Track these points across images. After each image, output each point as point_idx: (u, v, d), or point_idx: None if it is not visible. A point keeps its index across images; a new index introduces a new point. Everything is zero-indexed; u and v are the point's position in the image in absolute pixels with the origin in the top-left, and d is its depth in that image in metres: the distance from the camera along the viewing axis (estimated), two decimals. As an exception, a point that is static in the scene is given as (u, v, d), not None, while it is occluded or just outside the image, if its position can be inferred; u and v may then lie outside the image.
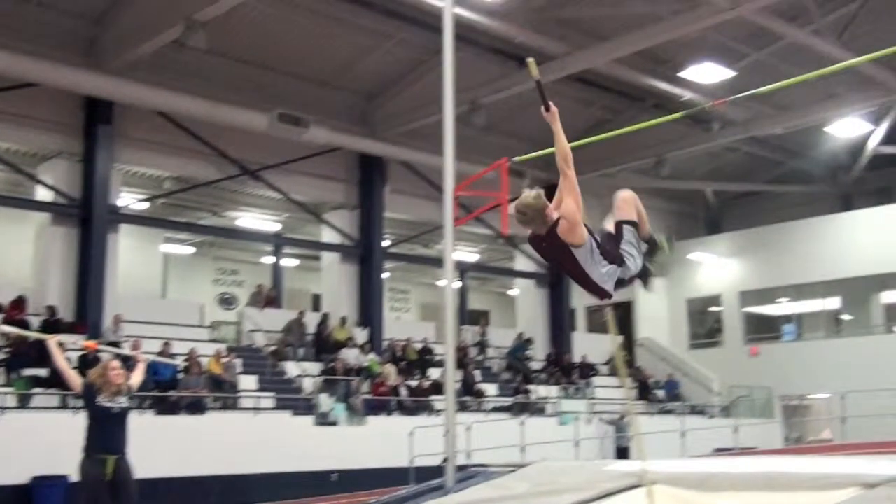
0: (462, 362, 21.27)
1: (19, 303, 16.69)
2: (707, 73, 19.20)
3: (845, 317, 27.40)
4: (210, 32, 15.97)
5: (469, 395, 21.00)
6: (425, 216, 23.48)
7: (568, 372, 24.68)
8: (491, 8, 16.39)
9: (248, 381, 17.98)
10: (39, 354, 14.48)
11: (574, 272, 5.01)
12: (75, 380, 7.92)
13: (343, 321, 21.29)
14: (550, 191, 4.82)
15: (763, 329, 28.22)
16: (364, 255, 22.15)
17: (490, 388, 22.16)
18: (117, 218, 18.78)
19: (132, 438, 7.84)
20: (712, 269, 28.58)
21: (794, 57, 19.21)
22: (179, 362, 16.33)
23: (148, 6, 16.38)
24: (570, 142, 5.07)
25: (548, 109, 5.27)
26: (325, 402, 18.28)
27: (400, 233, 25.17)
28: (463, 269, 27.04)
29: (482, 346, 25.01)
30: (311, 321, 21.17)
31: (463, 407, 19.59)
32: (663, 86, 20.19)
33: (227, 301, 27.47)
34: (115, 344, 16.25)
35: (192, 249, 26.72)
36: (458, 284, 26.89)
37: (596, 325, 29.77)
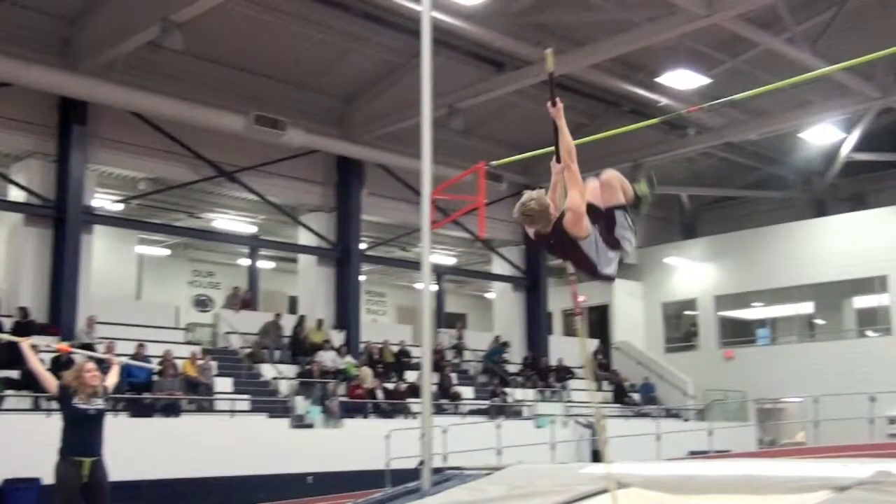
0: (439, 365, 21.28)
1: (-9, 304, 16.52)
2: (683, 79, 19.36)
3: (818, 321, 27.68)
4: (186, 34, 15.88)
5: (445, 397, 21.01)
6: (402, 219, 23.48)
7: (544, 375, 24.75)
8: (469, 12, 16.43)
9: (223, 384, 17.88)
10: (11, 356, 14.34)
11: (582, 263, 5.14)
12: (50, 381, 7.86)
13: (319, 324, 21.24)
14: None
15: (738, 333, 28.45)
16: (341, 257, 22.11)
17: (466, 391, 22.19)
18: (91, 219, 18.62)
19: (106, 440, 7.78)
20: (688, 274, 28.79)
21: (768, 64, 19.43)
22: (154, 365, 16.21)
23: (124, 7, 16.26)
24: (545, 147, 5.15)
25: (554, 105, 5.41)
26: (301, 404, 18.23)
27: (377, 236, 25.14)
28: (440, 272, 27.03)
29: (459, 348, 25.04)
30: (288, 323, 21.10)
31: (439, 410, 19.59)
32: (640, 91, 20.33)
33: (202, 303, 27.32)
34: (89, 346, 16.11)
35: (167, 251, 26.55)
36: (435, 287, 26.88)
37: (572, 329, 29.89)
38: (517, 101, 21.92)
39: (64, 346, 12.06)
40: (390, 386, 20.35)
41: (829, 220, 26.84)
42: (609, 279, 5.28)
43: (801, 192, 28.59)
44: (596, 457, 19.62)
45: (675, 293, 29.21)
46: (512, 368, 25.00)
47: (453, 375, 22.42)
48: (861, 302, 26.30)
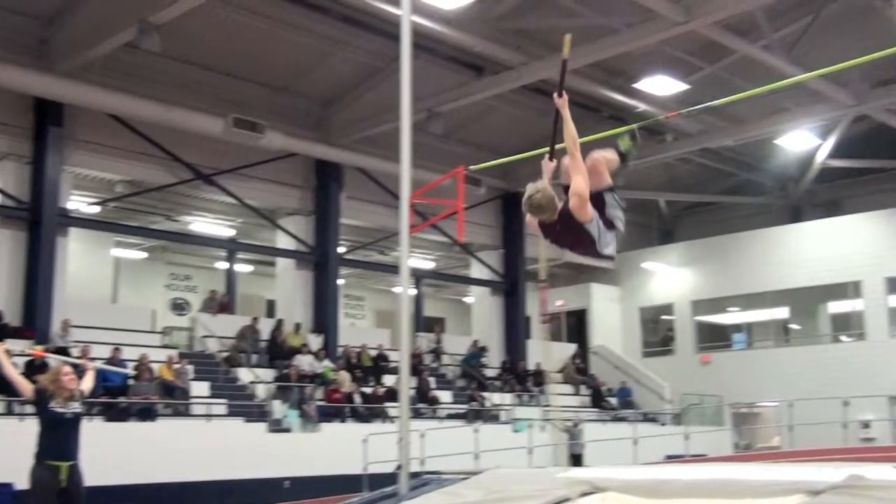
0: (417, 369, 21.27)
1: (-35, 307, 16.34)
2: (661, 85, 19.48)
3: (793, 326, 27.92)
4: (164, 35, 15.80)
5: (423, 402, 20.99)
6: (381, 223, 23.46)
7: (522, 379, 24.79)
8: (448, 17, 16.46)
9: (200, 388, 17.78)
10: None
11: (586, 246, 5.36)
12: (26, 386, 7.77)
13: (297, 327, 21.17)
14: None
15: (714, 338, 28.64)
16: (319, 261, 22.05)
17: (445, 396, 22.18)
18: (67, 221, 18.46)
19: (81, 445, 7.71)
20: (665, 279, 28.95)
21: (745, 71, 19.59)
22: (130, 370, 16.06)
23: (101, 8, 16.15)
24: (524, 151, 5.23)
25: (560, 95, 5.63)
26: (279, 408, 18.16)
27: (355, 239, 25.09)
28: (418, 276, 27.04)
29: (437, 353, 25.03)
30: (265, 327, 21.02)
31: (417, 414, 19.57)
32: (618, 97, 20.44)
33: (179, 306, 27.15)
34: (64, 350, 15.98)
35: (143, 254, 26.37)
36: (414, 291, 26.87)
37: (551, 333, 29.95)
38: (496, 106, 21.97)
39: (38, 350, 11.95)
40: (368, 390, 20.31)
41: (805, 225, 27.10)
42: (611, 259, 5.55)
43: (777, 198, 28.85)
44: (574, 461, 19.71)
45: (653, 298, 29.35)
46: (490, 373, 25.02)
47: (431, 380, 22.40)
48: (835, 307, 26.56)
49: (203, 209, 23.06)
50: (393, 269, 24.73)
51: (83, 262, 20.63)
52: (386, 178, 21.77)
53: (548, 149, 5.78)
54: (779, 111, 22.04)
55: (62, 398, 7.56)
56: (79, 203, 20.05)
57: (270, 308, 25.45)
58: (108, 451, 13.53)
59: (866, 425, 22.45)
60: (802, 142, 24.58)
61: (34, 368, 13.93)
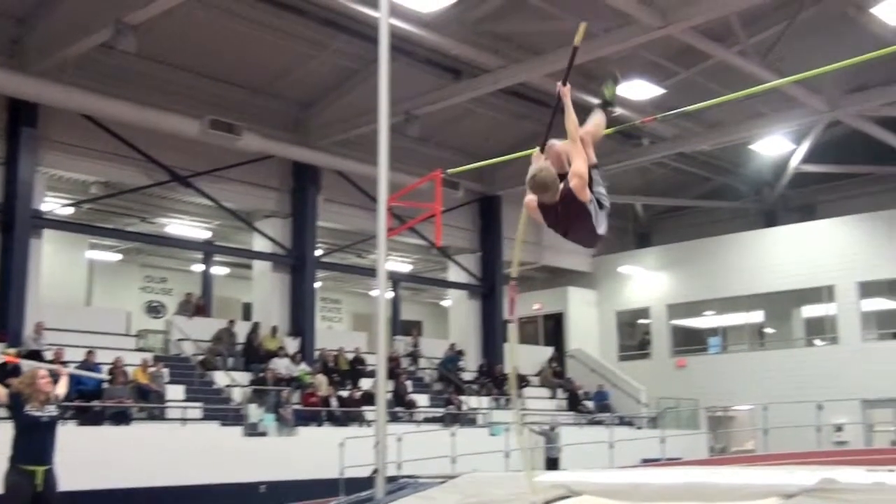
0: (394, 373, 21.23)
1: (-65, 310, 16.13)
2: (637, 89, 19.57)
3: (768, 330, 28.13)
4: (141, 36, 15.68)
5: (400, 405, 20.96)
6: (358, 226, 23.41)
7: (499, 383, 24.81)
8: (426, 20, 16.47)
9: (175, 391, 17.65)
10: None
11: (585, 227, 5.59)
12: (0, 390, 7.70)
13: (274, 331, 21.07)
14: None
15: (690, 341, 28.80)
16: (296, 264, 21.97)
17: (422, 399, 22.16)
18: (41, 223, 18.26)
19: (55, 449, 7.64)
20: (641, 283, 29.09)
21: (721, 76, 19.74)
22: (104, 375, 15.91)
23: (76, 8, 16.01)
24: (501, 155, 5.30)
25: (564, 84, 5.91)
26: (255, 412, 18.07)
27: (333, 242, 25.04)
28: (396, 280, 27.01)
29: (414, 356, 25.00)
30: (242, 330, 20.91)
31: (394, 417, 19.54)
32: (595, 101, 20.49)
33: (154, 309, 26.96)
34: (37, 352, 15.84)
35: (118, 256, 26.17)
36: (391, 294, 26.85)
37: (528, 337, 30.04)
38: (474, 110, 22.01)
39: (11, 355, 11.81)
40: (345, 394, 20.25)
41: (779, 230, 27.32)
42: (602, 237, 5.76)
43: (752, 203, 29.08)
44: (550, 465, 19.75)
45: (629, 302, 29.49)
46: (467, 376, 25.03)
47: (408, 383, 22.38)
48: (809, 311, 26.77)
49: (179, 211, 22.92)
50: (370, 272, 24.72)
51: (57, 264, 20.45)
52: (363, 180, 21.74)
53: (528, 152, 5.86)
54: (754, 116, 22.23)
55: (38, 402, 7.49)
56: (53, 204, 19.85)
57: (247, 311, 25.33)
58: (82, 456, 13.38)
59: (839, 429, 22.66)
60: (777, 147, 24.79)
61: (6, 373, 13.78)
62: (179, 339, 20.29)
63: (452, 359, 25.08)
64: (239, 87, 20.13)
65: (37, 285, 17.86)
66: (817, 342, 26.29)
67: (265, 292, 22.21)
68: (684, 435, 23.53)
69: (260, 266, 22.56)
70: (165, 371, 17.86)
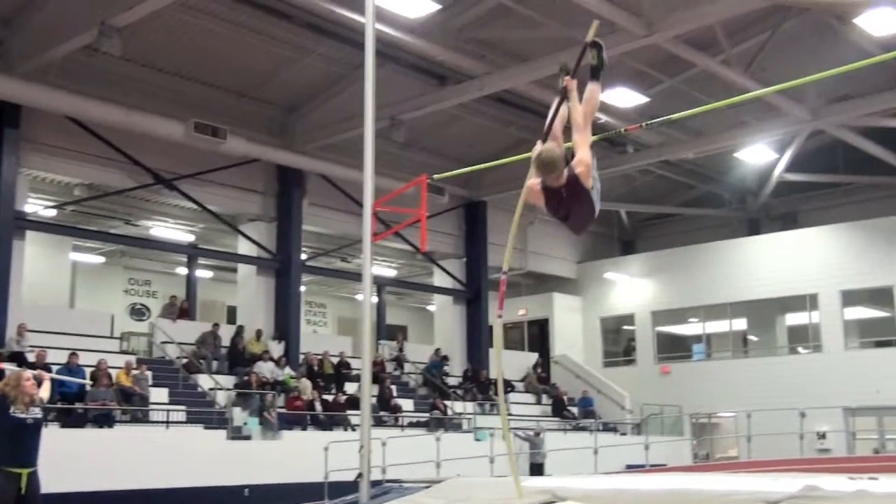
0: (379, 377, 21.21)
1: (-84, 311, 16.00)
2: (622, 97, 19.66)
3: (752, 337, 28.26)
4: (126, 39, 15.63)
5: (385, 410, 20.94)
6: (344, 230, 23.39)
7: (484, 388, 24.82)
8: (412, 25, 16.49)
9: (159, 394, 17.58)
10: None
11: (584, 212, 5.83)
12: None
13: (258, 334, 21.01)
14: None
15: (674, 348, 28.91)
16: (281, 267, 21.92)
17: (406, 404, 22.14)
18: (23, 224, 18.15)
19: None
20: (626, 289, 29.18)
21: (705, 85, 19.88)
22: (87, 380, 15.79)
23: (60, 9, 15.92)
24: (487, 161, 5.35)
25: (573, 78, 6.10)
26: (239, 415, 17.98)
27: (318, 246, 25.00)
28: (381, 284, 27.00)
29: (399, 361, 24.98)
30: (226, 334, 20.84)
31: (379, 422, 19.52)
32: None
33: (138, 312, 26.84)
34: (20, 354, 15.76)
35: (101, 259, 26.03)
36: (376, 299, 26.83)
37: (512, 342, 30.09)
38: (459, 115, 22.05)
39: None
40: (329, 398, 20.21)
41: (763, 238, 27.48)
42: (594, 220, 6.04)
43: (735, 211, 29.24)
44: (535, 470, 19.78)
45: (614, 308, 29.57)
46: (452, 381, 25.03)
47: (393, 388, 22.37)
48: (792, 319, 26.92)
49: (163, 214, 22.83)
50: (355, 276, 24.72)
51: (40, 266, 20.31)
52: (349, 185, 21.73)
53: (513, 158, 5.93)
54: (738, 125, 22.37)
55: (23, 404, 7.46)
56: (36, 206, 19.74)
57: (231, 314, 25.24)
58: (65, 458, 13.28)
59: (822, 436, 22.81)
60: (760, 155, 24.95)
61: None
62: (163, 342, 20.20)
63: (437, 364, 25.08)
64: (224, 90, 20.09)
65: (20, 287, 17.76)
66: (800, 350, 26.44)
67: (250, 296, 22.15)
68: (668, 441, 23.60)
69: (245, 269, 22.50)
70: (149, 374, 17.77)
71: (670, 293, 28.21)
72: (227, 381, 19.40)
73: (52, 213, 20.74)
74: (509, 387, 25.61)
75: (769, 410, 19.58)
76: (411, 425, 21.09)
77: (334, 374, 21.70)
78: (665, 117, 7.86)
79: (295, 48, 18.93)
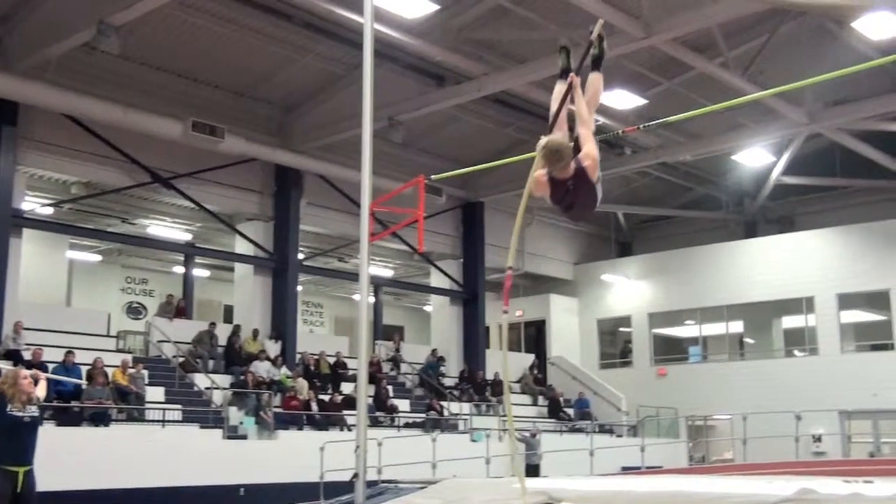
0: (375, 377, 21.21)
1: (-88, 309, 15.97)
2: (620, 99, 19.68)
3: (748, 340, 28.29)
4: (124, 37, 15.62)
5: (381, 410, 20.93)
6: (341, 230, 23.39)
7: (480, 389, 24.83)
8: (411, 26, 16.50)
9: (155, 393, 17.56)
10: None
11: (588, 203, 5.91)
12: None
13: (255, 334, 21.00)
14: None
15: (670, 350, 28.93)
16: (278, 267, 21.91)
17: (403, 404, 22.14)
18: (20, 222, 18.13)
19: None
20: (623, 291, 29.19)
21: (703, 87, 19.89)
22: (83, 380, 15.78)
23: (58, 7, 15.89)
24: (484, 162, 5.36)
25: (577, 74, 6.13)
26: (235, 415, 17.95)
27: (315, 246, 24.99)
28: (378, 284, 27.00)
29: (396, 361, 24.98)
30: (222, 333, 20.83)
31: (375, 422, 19.51)
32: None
33: (135, 310, 26.82)
34: (16, 353, 15.73)
35: (98, 257, 26.01)
36: (373, 299, 26.83)
37: (509, 343, 30.07)
38: (457, 116, 22.06)
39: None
40: (325, 398, 20.21)
41: (760, 241, 27.51)
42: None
43: (732, 214, 29.28)
44: (531, 471, 19.78)
45: (611, 310, 29.58)
46: (448, 382, 25.03)
47: (389, 388, 22.36)
48: (789, 322, 26.95)
49: (160, 213, 22.82)
50: (352, 276, 24.73)
51: (37, 264, 20.29)
52: (346, 185, 21.73)
53: (511, 159, 5.95)
54: (735, 127, 22.39)
55: (20, 402, 7.46)
56: (33, 204, 19.72)
57: (228, 313, 25.22)
58: (61, 456, 13.29)
59: (818, 439, 22.83)
60: (758, 158, 24.97)
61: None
62: (160, 341, 20.19)
63: (433, 364, 25.09)
64: (222, 89, 20.09)
65: (16, 285, 17.72)
66: (796, 353, 26.46)
67: (247, 295, 22.14)
68: (664, 443, 23.62)
69: (242, 269, 22.49)
70: (145, 372, 17.74)
71: (667, 295, 28.23)
72: (224, 380, 19.38)
73: (50, 211, 20.72)
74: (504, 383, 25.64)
75: (765, 413, 19.63)
76: (407, 426, 21.09)
77: (331, 374, 21.70)
78: (663, 119, 7.88)
79: (293, 48, 18.93)
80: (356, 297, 27.76)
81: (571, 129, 6.00)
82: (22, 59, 16.56)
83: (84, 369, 16.37)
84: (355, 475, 7.84)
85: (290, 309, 21.97)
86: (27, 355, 15.83)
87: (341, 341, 24.68)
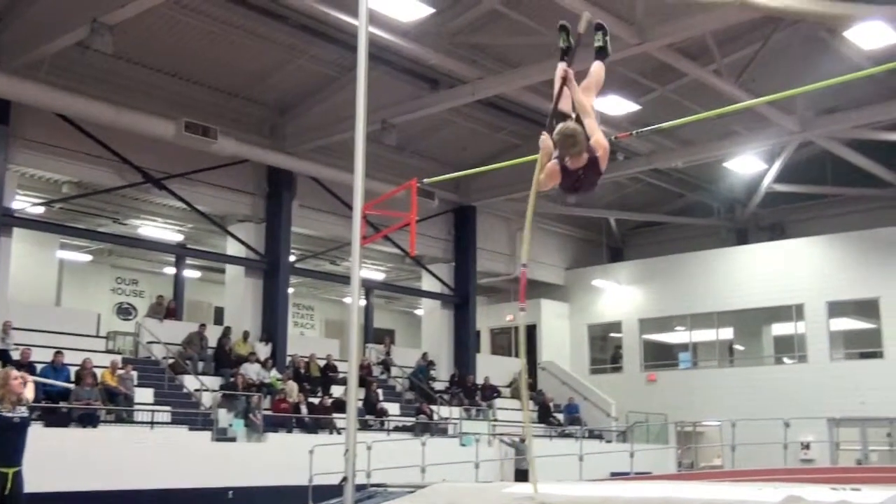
0: (365, 381, 21.18)
1: None
2: (613, 105, 19.73)
3: (738, 347, 28.35)
4: (117, 36, 15.57)
5: (371, 413, 20.90)
6: (333, 233, 23.37)
7: (471, 393, 24.82)
8: (405, 29, 16.51)
9: (144, 394, 17.50)
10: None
11: (591, 188, 6.11)
12: None
13: (245, 335, 20.95)
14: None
15: (661, 356, 28.96)
16: (269, 269, 21.87)
17: (393, 408, 22.11)
18: (11, 221, 18.06)
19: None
20: (614, 297, 29.23)
21: (695, 94, 19.97)
22: (69, 383, 15.70)
23: (52, 6, 15.83)
24: (477, 166, 5.37)
25: (569, 66, 6.37)
26: (224, 417, 17.90)
27: (307, 248, 24.96)
28: (369, 287, 26.98)
29: (386, 364, 24.95)
30: (213, 334, 20.77)
31: (365, 426, 19.47)
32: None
33: (125, 311, 26.73)
34: (5, 352, 15.65)
35: (88, 257, 25.92)
36: (364, 302, 26.80)
37: (500, 348, 30.10)
38: (451, 119, 22.07)
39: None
40: (315, 400, 20.17)
41: (750, 248, 27.59)
42: None
43: (724, 220, 29.36)
44: (520, 476, 19.77)
45: (602, 315, 29.62)
46: (439, 386, 25.01)
47: (380, 391, 22.33)
48: (778, 329, 27.02)
49: (152, 213, 22.76)
50: (344, 279, 24.72)
51: (27, 264, 20.22)
52: (339, 187, 21.71)
53: (504, 163, 5.94)
54: (727, 135, 22.47)
55: (10, 402, 7.42)
56: (24, 203, 19.65)
57: (218, 315, 25.17)
58: (48, 457, 13.22)
59: (806, 447, 22.89)
60: (749, 165, 25.06)
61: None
62: (149, 342, 20.12)
63: (424, 368, 25.07)
64: (215, 90, 20.06)
65: (5, 284, 17.68)
66: (786, 360, 26.54)
67: (237, 297, 22.09)
68: (653, 449, 23.64)
69: (233, 270, 22.44)
70: (134, 374, 17.68)
71: (658, 301, 28.28)
72: (213, 382, 19.33)
73: (40, 210, 20.65)
74: (495, 392, 25.62)
75: (754, 420, 19.65)
76: (397, 429, 21.07)
77: (321, 377, 21.66)
78: (656, 126, 7.90)
79: (288, 49, 18.92)
80: (347, 299, 27.74)
81: (579, 121, 6.05)
82: (15, 57, 16.50)
83: (73, 370, 16.30)
84: (344, 479, 7.82)
85: (280, 311, 21.93)
86: (16, 355, 15.76)
87: (332, 344, 24.64)
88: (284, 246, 22.00)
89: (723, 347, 28.03)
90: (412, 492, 7.60)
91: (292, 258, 23.03)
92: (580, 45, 6.56)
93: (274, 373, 20.34)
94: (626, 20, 15.98)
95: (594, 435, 25.58)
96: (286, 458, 16.88)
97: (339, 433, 18.59)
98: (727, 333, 27.99)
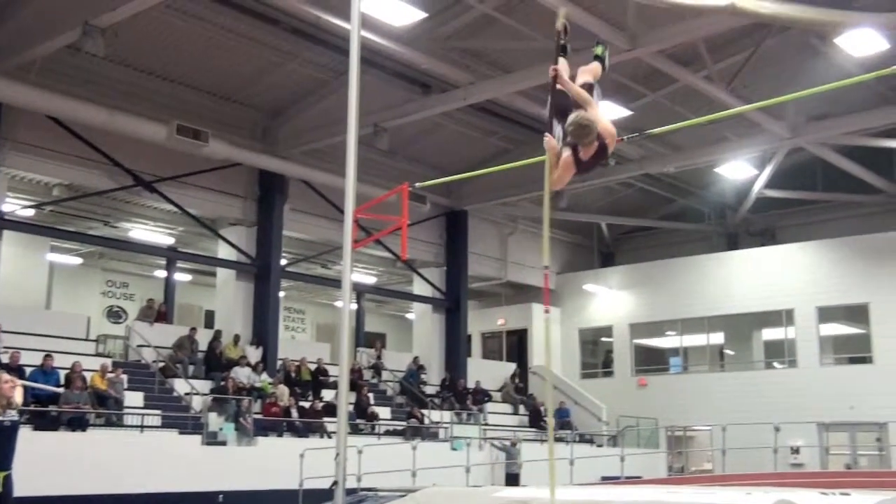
0: (356, 384, 21.16)
1: None
2: (604, 110, 19.73)
3: (728, 352, 28.43)
4: (109, 39, 15.54)
5: (362, 417, 20.88)
6: (325, 236, 23.34)
7: (461, 397, 24.81)
8: (398, 33, 16.52)
9: (134, 398, 17.44)
10: None
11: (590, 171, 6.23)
12: None
13: (236, 339, 20.91)
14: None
15: (651, 361, 29.02)
16: (260, 272, 21.84)
17: (383, 412, 22.09)
18: (1, 224, 17.99)
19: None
20: (605, 301, 29.28)
21: (687, 100, 20.03)
22: (59, 388, 15.63)
23: (43, 8, 15.80)
24: (469, 170, 5.40)
25: (555, 63, 6.51)
26: (215, 421, 17.86)
27: (298, 252, 24.93)
28: (360, 291, 26.95)
29: (377, 368, 24.93)
30: (203, 338, 20.71)
31: (355, 430, 19.46)
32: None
33: (115, 314, 26.64)
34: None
35: (79, 260, 25.82)
36: (355, 306, 26.78)
37: (491, 352, 30.11)
38: (443, 124, 22.09)
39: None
40: (306, 404, 20.13)
41: (741, 253, 27.69)
42: None
43: (715, 226, 29.46)
44: (510, 480, 19.78)
45: (592, 320, 29.66)
46: (430, 390, 24.99)
47: (371, 395, 22.31)
48: (769, 334, 27.11)
49: (143, 216, 22.68)
50: (335, 283, 24.67)
51: (16, 267, 20.10)
52: (330, 191, 21.70)
53: (495, 168, 5.96)
54: (718, 140, 22.54)
55: (0, 406, 7.40)
56: (14, 206, 19.57)
57: (209, 319, 25.10)
58: (37, 461, 13.16)
59: (796, 451, 22.97)
60: (740, 171, 25.15)
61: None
62: (140, 346, 20.05)
63: (415, 372, 25.05)
64: (207, 93, 20.03)
65: (-5, 287, 17.60)
66: (776, 365, 26.62)
67: (228, 300, 22.04)
68: (644, 454, 23.69)
69: (223, 274, 22.39)
70: (124, 377, 17.63)
71: (649, 306, 28.34)
72: (204, 385, 19.28)
73: (30, 212, 20.57)
74: (486, 396, 25.62)
75: (744, 424, 19.71)
76: (388, 433, 21.05)
77: (311, 381, 21.62)
78: (647, 131, 7.93)
79: (280, 53, 18.91)
80: (338, 303, 27.70)
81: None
82: (6, 59, 16.43)
83: (63, 373, 16.24)
84: (335, 483, 7.82)
85: (271, 315, 21.89)
86: (5, 359, 15.70)
87: (323, 348, 24.61)
88: (276, 249, 21.98)
89: (713, 352, 28.10)
90: (403, 496, 7.60)
91: (283, 262, 23.00)
92: (561, 40, 6.63)
93: (265, 376, 20.30)
94: (618, 26, 16.03)
95: (585, 439, 25.61)
96: (277, 462, 16.86)
97: (329, 437, 18.57)
98: (718, 338, 28.07)
